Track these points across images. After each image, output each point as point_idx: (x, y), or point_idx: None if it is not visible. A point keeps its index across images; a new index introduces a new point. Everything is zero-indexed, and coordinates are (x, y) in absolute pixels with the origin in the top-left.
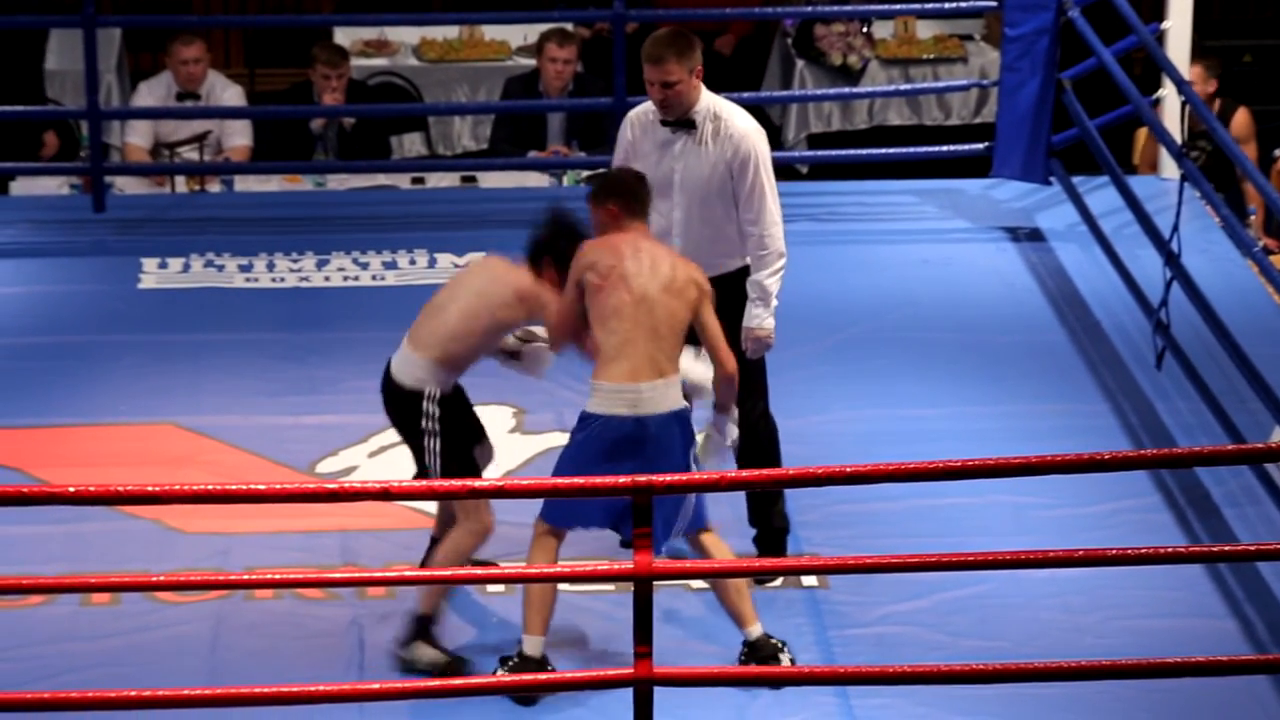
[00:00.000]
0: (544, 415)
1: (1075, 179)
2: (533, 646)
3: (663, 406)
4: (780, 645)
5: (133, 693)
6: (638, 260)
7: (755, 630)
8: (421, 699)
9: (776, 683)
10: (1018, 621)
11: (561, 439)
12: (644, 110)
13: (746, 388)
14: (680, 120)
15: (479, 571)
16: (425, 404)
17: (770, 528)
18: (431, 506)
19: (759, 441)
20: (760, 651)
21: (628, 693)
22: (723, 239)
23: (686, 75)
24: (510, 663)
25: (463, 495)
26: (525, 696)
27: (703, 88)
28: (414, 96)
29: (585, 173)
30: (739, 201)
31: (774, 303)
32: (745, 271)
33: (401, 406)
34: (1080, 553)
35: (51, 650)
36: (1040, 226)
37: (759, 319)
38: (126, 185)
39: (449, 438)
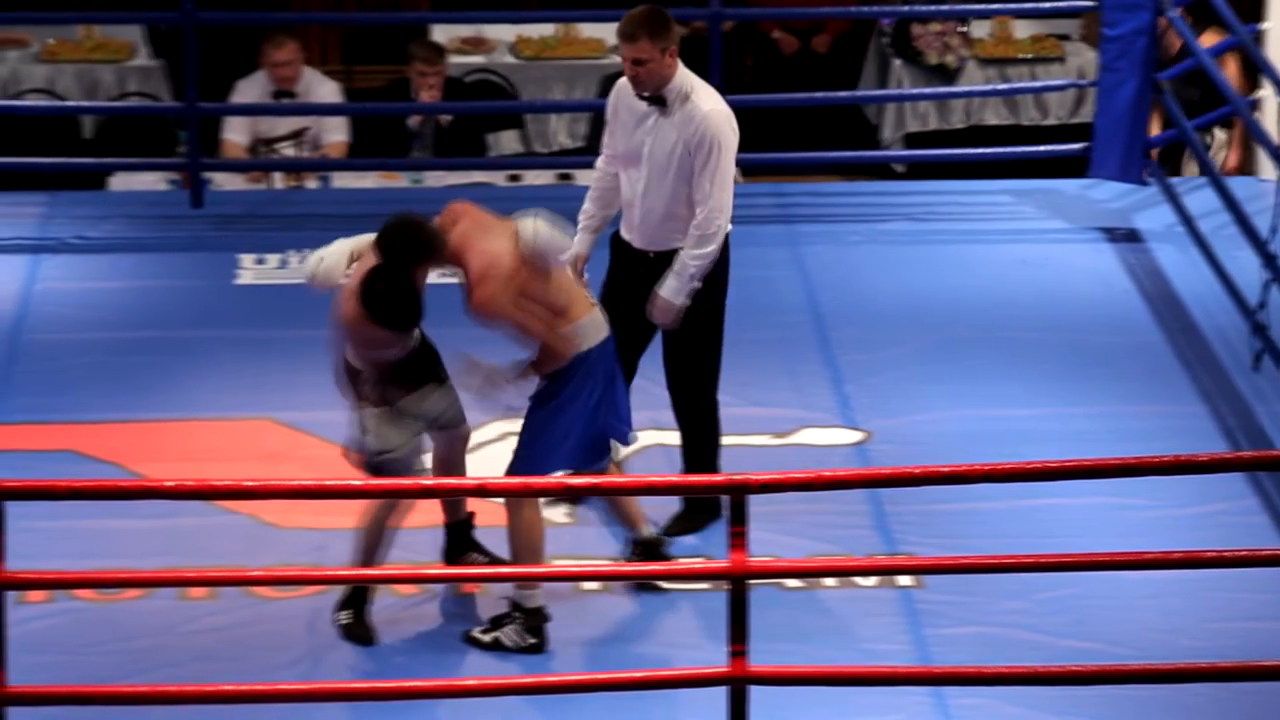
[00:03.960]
0: None
1: (1172, 180)
2: (535, 600)
3: (601, 332)
4: (666, 540)
5: (229, 687)
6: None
7: (645, 530)
8: (511, 695)
9: (873, 681)
10: (1114, 623)
11: None
12: (629, 82)
13: (696, 375)
14: (654, 96)
15: (573, 568)
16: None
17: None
18: None
19: (707, 432)
20: (653, 549)
21: (720, 691)
22: (675, 217)
23: (658, 54)
24: (515, 620)
25: (558, 492)
26: (536, 645)
27: (680, 66)
28: (510, 94)
29: None
30: (693, 179)
31: (691, 285)
32: None
33: None
34: (1177, 554)
35: (149, 644)
36: (1137, 227)
37: (671, 291)
38: (224, 181)
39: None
